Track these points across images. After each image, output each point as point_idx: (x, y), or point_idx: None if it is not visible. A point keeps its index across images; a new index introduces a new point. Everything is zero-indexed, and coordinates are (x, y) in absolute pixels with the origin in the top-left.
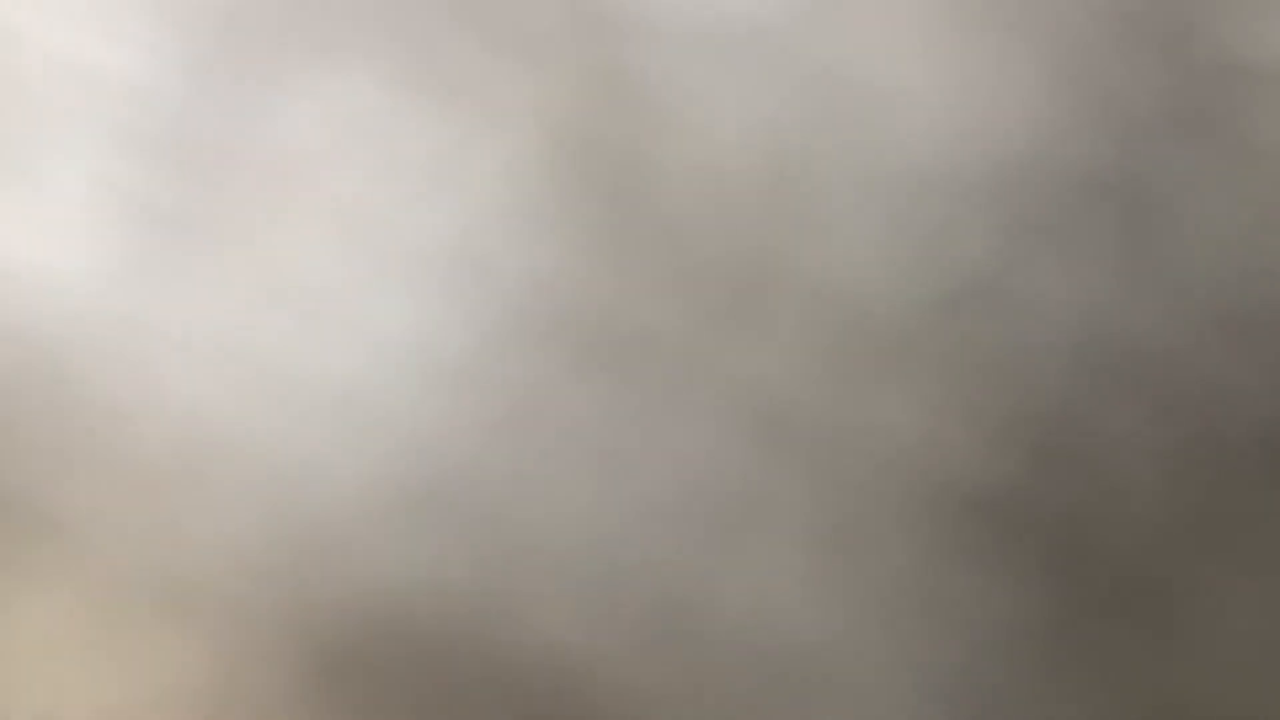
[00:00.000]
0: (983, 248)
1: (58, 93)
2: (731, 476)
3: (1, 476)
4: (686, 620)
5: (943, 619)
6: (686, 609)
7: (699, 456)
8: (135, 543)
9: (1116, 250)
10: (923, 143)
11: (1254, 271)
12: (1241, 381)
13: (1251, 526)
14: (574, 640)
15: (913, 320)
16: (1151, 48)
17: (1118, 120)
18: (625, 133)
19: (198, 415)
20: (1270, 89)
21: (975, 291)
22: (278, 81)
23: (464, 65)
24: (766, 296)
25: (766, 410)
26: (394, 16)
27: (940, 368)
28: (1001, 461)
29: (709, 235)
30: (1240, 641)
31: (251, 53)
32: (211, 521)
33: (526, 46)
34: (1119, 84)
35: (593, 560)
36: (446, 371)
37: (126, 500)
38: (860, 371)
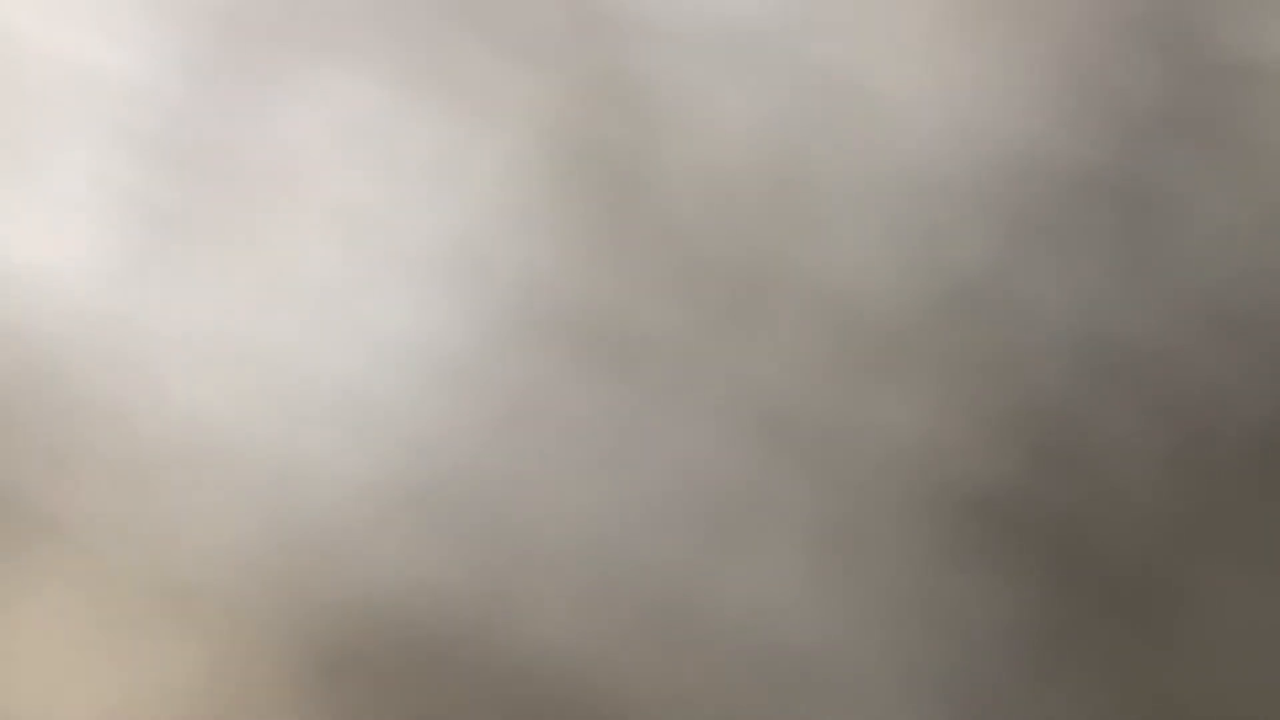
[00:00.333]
0: (983, 248)
1: (58, 93)
2: (732, 476)
3: (1, 476)
4: (686, 620)
5: (942, 619)
6: (686, 609)
7: (699, 456)
8: (135, 543)
9: (1116, 250)
10: (923, 143)
11: (1254, 271)
12: (1241, 382)
13: (1251, 526)
14: (574, 640)
15: (913, 320)
16: (1152, 48)
17: (1118, 120)
18: (625, 133)
19: (197, 415)
20: (1270, 89)
21: (975, 291)
22: (278, 81)
23: (464, 65)
24: (766, 296)
25: (766, 410)
26: (394, 16)
27: (940, 368)
28: (1001, 461)
29: (709, 235)
30: (1240, 641)
31: (251, 53)
32: (211, 521)
33: (526, 46)
34: (1119, 84)
35: (593, 560)
36: (446, 371)
37: (126, 500)
38: (860, 371)
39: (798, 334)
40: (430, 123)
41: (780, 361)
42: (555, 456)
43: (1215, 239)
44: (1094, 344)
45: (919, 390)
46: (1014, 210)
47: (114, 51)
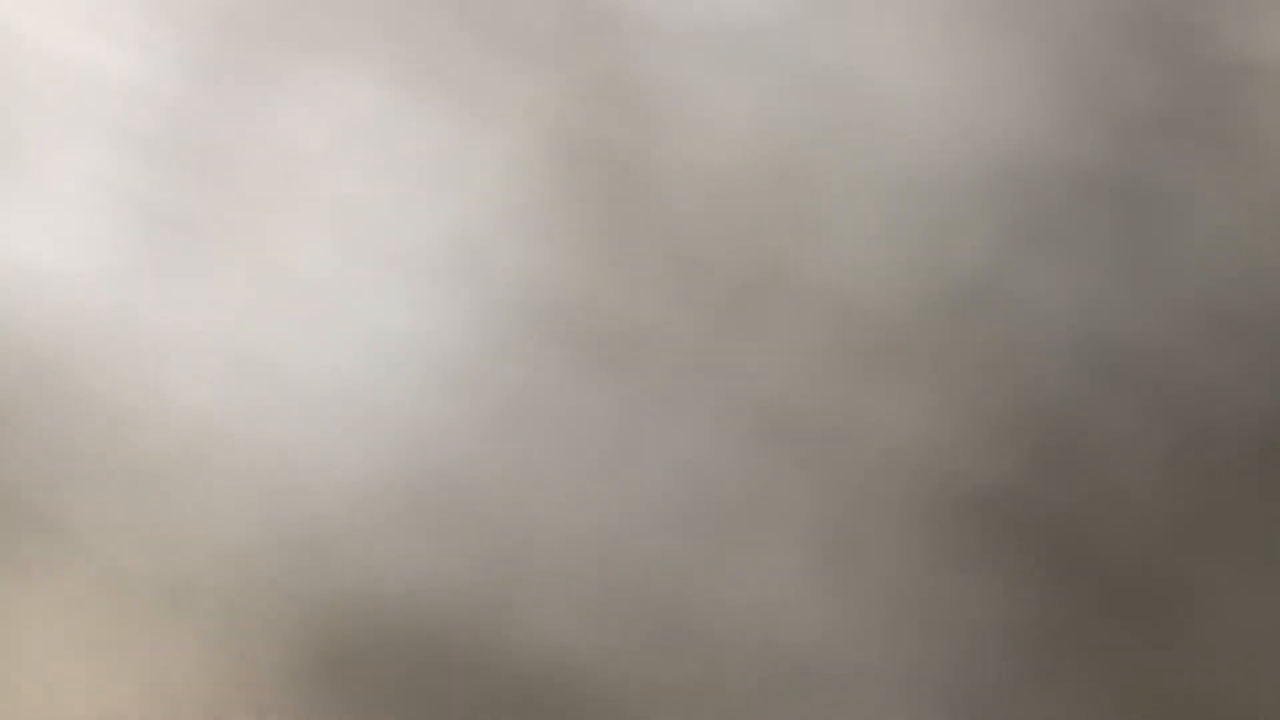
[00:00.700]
0: (982, 248)
1: (58, 93)
2: (731, 476)
3: (1, 476)
4: (686, 620)
5: (942, 618)
6: (686, 609)
7: (699, 456)
8: (135, 542)
9: (1116, 250)
10: (923, 143)
11: (1254, 272)
12: (1241, 382)
13: (1251, 526)
14: (573, 639)
15: (912, 320)
16: (1151, 48)
17: (1118, 120)
18: (625, 132)
19: (197, 414)
20: (1270, 89)
21: (975, 291)
22: (278, 81)
23: (464, 65)
24: (766, 296)
25: (766, 410)
26: (394, 16)
27: (940, 368)
28: (1001, 461)
29: (709, 235)
30: (1240, 640)
31: (251, 53)
32: (211, 520)
33: (526, 46)
34: (1119, 84)
35: (592, 559)
36: (446, 371)
37: (126, 500)
38: (860, 371)
39: (797, 334)
40: (430, 123)
41: (780, 361)
42: (554, 456)
43: (1215, 239)
44: (1094, 344)
45: (919, 390)
46: (1014, 210)
47: (114, 51)
